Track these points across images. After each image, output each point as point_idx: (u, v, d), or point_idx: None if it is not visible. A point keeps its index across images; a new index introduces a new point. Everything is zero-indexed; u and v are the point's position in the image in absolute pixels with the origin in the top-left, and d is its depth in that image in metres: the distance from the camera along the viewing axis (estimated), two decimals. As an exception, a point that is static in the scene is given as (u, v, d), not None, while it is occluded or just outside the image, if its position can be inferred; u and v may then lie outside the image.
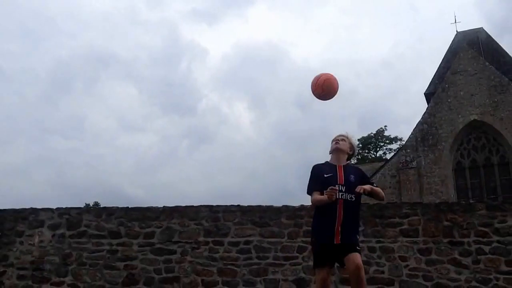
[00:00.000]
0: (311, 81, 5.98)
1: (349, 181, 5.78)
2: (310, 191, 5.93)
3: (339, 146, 6.00)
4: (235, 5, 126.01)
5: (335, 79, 5.96)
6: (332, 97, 6.01)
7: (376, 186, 5.98)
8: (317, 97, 6.00)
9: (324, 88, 5.88)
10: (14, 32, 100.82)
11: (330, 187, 5.51)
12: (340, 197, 5.63)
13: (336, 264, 5.99)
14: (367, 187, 5.68)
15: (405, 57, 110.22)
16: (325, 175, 5.81)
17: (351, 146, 6.17)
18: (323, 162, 6.11)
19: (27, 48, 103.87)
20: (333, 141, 6.12)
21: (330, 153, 6.12)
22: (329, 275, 5.74)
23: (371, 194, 5.79)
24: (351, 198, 5.71)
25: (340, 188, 5.67)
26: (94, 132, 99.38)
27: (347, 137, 6.17)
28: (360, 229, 9.05)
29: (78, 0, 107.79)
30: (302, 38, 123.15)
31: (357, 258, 5.48)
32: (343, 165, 5.94)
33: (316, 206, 5.90)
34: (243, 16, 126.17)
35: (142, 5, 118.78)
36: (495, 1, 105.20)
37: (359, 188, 5.56)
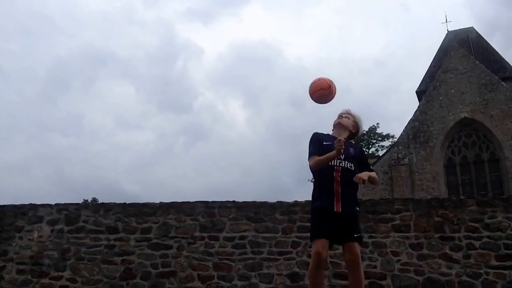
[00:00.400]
0: (310, 84, 5.78)
1: (349, 152, 5.65)
2: (310, 155, 5.74)
3: (341, 121, 5.93)
4: (230, 4, 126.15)
5: (327, 88, 5.70)
6: (328, 101, 5.76)
7: (372, 170, 5.86)
8: (314, 100, 5.78)
9: (317, 97, 5.72)
10: (13, 32, 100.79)
11: (337, 139, 5.41)
12: (338, 164, 5.53)
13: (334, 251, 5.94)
14: (364, 175, 5.39)
15: (397, 56, 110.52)
16: (324, 143, 5.71)
17: (355, 124, 6.03)
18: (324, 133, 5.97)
19: (27, 48, 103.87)
20: (338, 116, 6.01)
21: (333, 128, 6.01)
22: (326, 250, 5.29)
23: (369, 181, 5.51)
24: (350, 166, 5.58)
25: (339, 156, 5.53)
26: (92, 130, 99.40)
27: (353, 115, 6.05)
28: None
29: (76, 0, 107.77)
30: (296, 37, 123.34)
31: (355, 247, 5.38)
32: (344, 138, 5.66)
33: (316, 175, 5.72)
34: (238, 15, 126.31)
35: (139, 4, 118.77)
36: (485, 1, 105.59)
37: (357, 178, 5.34)
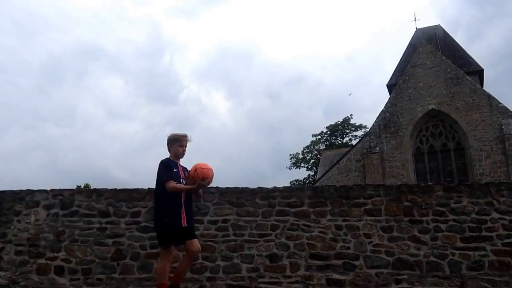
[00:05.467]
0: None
1: (185, 175, 6.91)
2: (167, 179, 6.69)
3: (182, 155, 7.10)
4: (213, 2, 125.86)
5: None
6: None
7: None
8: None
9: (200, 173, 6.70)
10: (9, 28, 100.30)
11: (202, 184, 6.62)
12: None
13: None
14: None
15: (368, 52, 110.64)
16: (175, 170, 6.83)
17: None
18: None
19: (22, 43, 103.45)
20: (180, 146, 6.98)
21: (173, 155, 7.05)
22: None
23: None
24: None
25: (183, 182, 6.83)
26: (84, 120, 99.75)
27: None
28: (328, 208, 9.03)
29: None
30: (275, 33, 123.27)
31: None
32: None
33: (169, 192, 6.64)
34: (221, 12, 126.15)
35: (128, 2, 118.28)
36: (449, 0, 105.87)
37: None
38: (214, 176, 6.76)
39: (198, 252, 6.98)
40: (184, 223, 6.62)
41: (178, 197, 6.66)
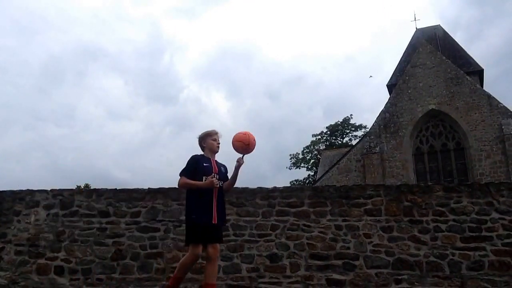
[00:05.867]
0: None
1: (221, 172, 6.62)
2: (182, 174, 6.45)
3: (217, 149, 6.79)
4: (213, 2, 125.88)
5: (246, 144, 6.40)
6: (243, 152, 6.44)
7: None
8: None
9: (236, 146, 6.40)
10: (9, 28, 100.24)
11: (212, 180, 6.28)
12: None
13: None
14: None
15: (368, 52, 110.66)
16: (205, 164, 6.48)
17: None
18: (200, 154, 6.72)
19: (21, 43, 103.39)
20: (213, 140, 6.73)
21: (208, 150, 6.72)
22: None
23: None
24: (221, 185, 6.52)
25: (215, 177, 6.42)
26: (84, 120, 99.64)
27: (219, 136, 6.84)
28: (328, 208, 9.02)
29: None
30: (274, 33, 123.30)
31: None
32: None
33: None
34: (220, 12, 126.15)
35: (128, 2, 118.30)
36: (448, 1, 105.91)
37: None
38: (242, 142, 6.37)
39: (216, 257, 6.43)
40: (215, 220, 6.26)
41: (209, 193, 6.31)
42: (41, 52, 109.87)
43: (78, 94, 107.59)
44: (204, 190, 6.29)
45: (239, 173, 6.47)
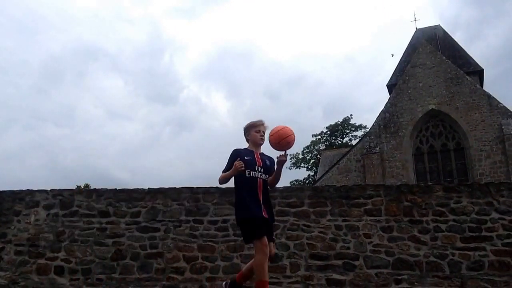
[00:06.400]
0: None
1: (265, 164, 6.09)
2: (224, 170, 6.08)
3: (261, 141, 6.24)
4: (213, 2, 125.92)
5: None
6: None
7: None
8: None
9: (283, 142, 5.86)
10: (8, 28, 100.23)
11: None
12: (260, 176, 5.96)
13: None
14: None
15: (368, 52, 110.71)
16: (246, 158, 5.97)
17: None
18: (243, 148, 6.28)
19: (21, 43, 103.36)
20: (257, 131, 6.23)
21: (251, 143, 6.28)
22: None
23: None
24: (266, 178, 6.05)
25: (259, 169, 5.98)
26: (84, 120, 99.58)
27: (265, 127, 6.30)
28: (328, 208, 9.01)
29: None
30: (274, 33, 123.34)
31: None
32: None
33: (243, 183, 5.99)
34: (220, 12, 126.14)
35: (127, 2, 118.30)
36: (448, 1, 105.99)
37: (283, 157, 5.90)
38: (279, 137, 5.85)
39: (273, 255, 6.06)
40: (265, 214, 5.80)
41: (253, 188, 5.90)
42: (41, 52, 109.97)
43: (78, 94, 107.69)
44: (248, 185, 5.91)
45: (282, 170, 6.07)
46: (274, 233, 8.88)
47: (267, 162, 6.13)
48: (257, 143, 6.20)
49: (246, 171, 5.89)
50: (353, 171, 32.96)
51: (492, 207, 8.81)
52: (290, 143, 5.85)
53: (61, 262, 9.22)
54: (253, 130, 6.21)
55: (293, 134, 5.86)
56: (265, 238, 5.68)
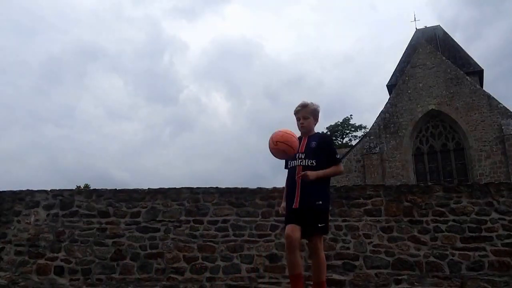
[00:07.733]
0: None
1: (310, 147, 5.55)
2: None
3: (302, 128, 5.77)
4: (213, 2, 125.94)
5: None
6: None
7: (337, 159, 5.66)
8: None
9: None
10: (8, 29, 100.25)
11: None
12: (300, 164, 5.47)
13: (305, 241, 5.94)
14: (311, 175, 5.27)
15: (368, 52, 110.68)
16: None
17: (314, 113, 5.83)
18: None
19: (21, 43, 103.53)
20: (297, 119, 5.78)
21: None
22: (295, 232, 5.25)
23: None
24: (311, 163, 5.44)
25: (300, 156, 5.49)
26: (83, 121, 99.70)
27: (309, 111, 5.79)
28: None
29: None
30: (274, 33, 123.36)
31: (314, 239, 5.40)
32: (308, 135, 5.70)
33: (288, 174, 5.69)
34: (220, 13, 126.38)
35: (127, 2, 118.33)
36: (447, 1, 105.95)
37: (304, 175, 5.28)
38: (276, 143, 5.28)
39: (317, 249, 5.39)
40: (296, 205, 5.36)
41: (292, 177, 5.55)
42: (41, 52, 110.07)
43: (77, 95, 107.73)
44: (289, 175, 5.65)
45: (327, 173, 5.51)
46: (274, 233, 8.95)
47: (313, 144, 5.61)
48: (300, 131, 5.78)
49: (288, 162, 5.67)
50: (353, 171, 32.95)
51: (492, 207, 8.81)
52: (277, 156, 5.43)
53: (61, 262, 9.21)
54: (296, 118, 5.81)
55: (274, 148, 5.30)
56: (289, 226, 5.33)
